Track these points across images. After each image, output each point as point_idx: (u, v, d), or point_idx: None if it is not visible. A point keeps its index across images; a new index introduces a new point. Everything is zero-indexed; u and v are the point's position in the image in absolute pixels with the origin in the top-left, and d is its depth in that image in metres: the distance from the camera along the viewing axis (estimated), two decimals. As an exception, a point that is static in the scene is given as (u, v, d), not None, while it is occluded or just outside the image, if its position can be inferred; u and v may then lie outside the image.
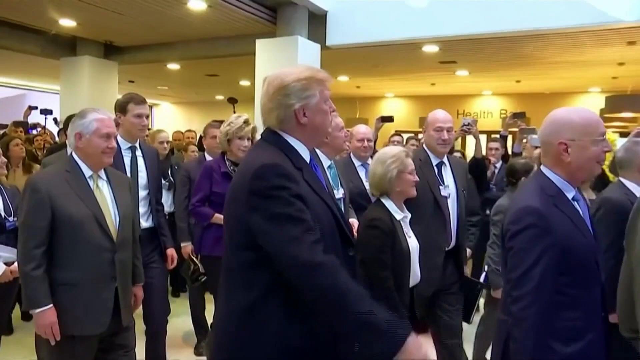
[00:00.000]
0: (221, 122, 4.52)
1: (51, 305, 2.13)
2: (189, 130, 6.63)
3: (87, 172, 2.28)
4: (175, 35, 7.15)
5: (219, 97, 13.13)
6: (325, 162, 2.86)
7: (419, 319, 2.38)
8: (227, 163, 3.28)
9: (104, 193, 2.31)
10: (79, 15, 6.42)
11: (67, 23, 6.69)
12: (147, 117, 3.05)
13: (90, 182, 2.29)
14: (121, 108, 2.98)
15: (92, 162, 2.29)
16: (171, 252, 3.19)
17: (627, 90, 8.06)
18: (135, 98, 3.00)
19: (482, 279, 3.41)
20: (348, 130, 3.33)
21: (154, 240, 3.08)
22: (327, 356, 1.49)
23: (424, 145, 3.08)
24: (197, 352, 3.95)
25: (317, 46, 6.36)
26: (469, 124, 4.23)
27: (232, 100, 10.41)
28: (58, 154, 3.72)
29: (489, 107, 12.24)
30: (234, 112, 10.52)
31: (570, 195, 1.76)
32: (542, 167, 1.81)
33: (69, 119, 3.69)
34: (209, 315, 3.88)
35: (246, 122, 3.24)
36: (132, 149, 3.01)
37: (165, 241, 3.17)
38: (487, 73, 9.19)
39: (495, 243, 3.24)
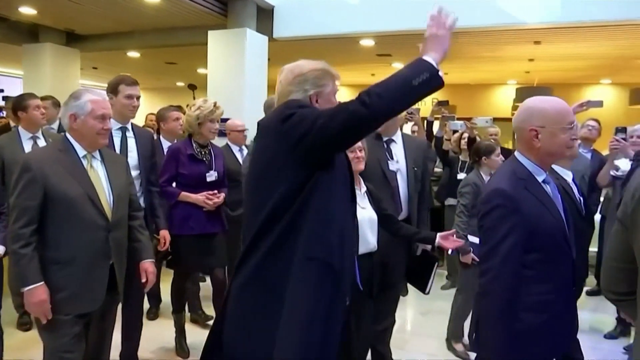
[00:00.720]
0: (178, 106, 4.46)
1: (42, 282, 1.96)
2: (151, 114, 6.52)
3: (81, 152, 2.12)
4: (133, 24, 6.95)
5: (180, 84, 12.86)
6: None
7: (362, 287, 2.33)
8: (194, 145, 3.20)
9: (98, 172, 2.14)
10: (38, 4, 6.14)
11: (27, 11, 6.38)
12: (138, 98, 2.86)
13: (84, 162, 2.12)
14: (112, 89, 2.80)
15: (86, 143, 2.12)
16: (164, 232, 3.04)
17: (534, 83, 8.41)
18: (126, 79, 2.80)
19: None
20: None
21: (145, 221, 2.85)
22: None
23: None
24: (150, 317, 3.94)
25: (265, 38, 6.33)
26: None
27: (192, 87, 10.25)
28: (6, 135, 3.57)
29: (422, 96, 12.45)
30: (194, 98, 10.47)
31: (540, 179, 1.75)
32: (515, 152, 1.81)
33: (17, 99, 3.55)
34: (164, 286, 3.78)
35: (216, 106, 3.18)
36: (123, 130, 2.85)
37: (159, 222, 3.02)
38: (419, 65, 9.34)
39: (463, 212, 3.36)
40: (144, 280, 2.32)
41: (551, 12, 5.28)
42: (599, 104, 4.15)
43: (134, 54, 8.86)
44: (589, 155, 4.21)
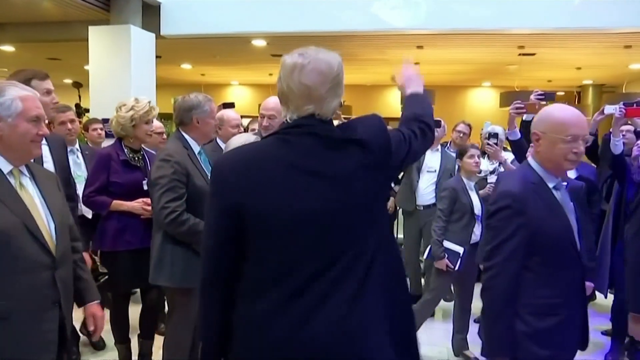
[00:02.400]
0: (66, 106, 3.96)
1: None
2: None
3: (6, 167, 1.58)
4: (4, 16, 6.42)
5: (67, 81, 12.02)
6: (196, 148, 2.62)
7: None
8: (126, 150, 2.88)
9: (30, 193, 1.62)
10: None
11: None
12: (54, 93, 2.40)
13: (12, 181, 1.59)
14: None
15: (15, 155, 1.59)
16: (85, 254, 2.53)
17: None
18: (38, 73, 2.32)
19: (426, 253, 3.50)
20: None
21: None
22: None
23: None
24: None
25: (152, 35, 6.12)
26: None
27: (77, 85, 9.62)
28: None
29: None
30: (79, 97, 9.80)
31: (551, 185, 1.78)
32: (528, 157, 1.87)
33: None
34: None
35: (152, 106, 2.90)
36: None
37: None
38: (315, 67, 9.56)
39: (440, 217, 3.35)
40: (91, 328, 1.87)
41: (429, 19, 5.65)
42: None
43: (7, 48, 8.18)
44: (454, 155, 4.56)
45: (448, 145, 4.75)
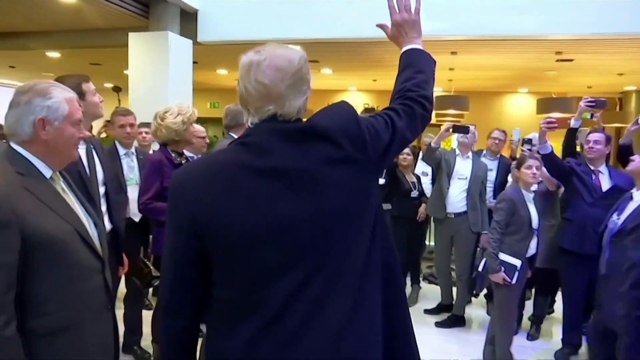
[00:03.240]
0: (128, 110, 3.98)
1: None
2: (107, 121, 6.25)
3: (47, 172, 1.53)
4: (51, 24, 6.70)
5: (108, 85, 12.44)
6: None
7: None
8: (174, 155, 2.93)
9: (71, 197, 1.61)
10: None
11: None
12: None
13: (56, 186, 1.56)
14: (76, 91, 2.36)
15: (57, 159, 1.55)
16: (125, 256, 2.68)
17: (451, 91, 8.86)
18: (83, 77, 2.33)
19: (481, 266, 3.38)
20: None
21: (113, 244, 2.39)
22: None
23: None
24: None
25: (189, 42, 6.29)
26: None
27: (117, 89, 10.00)
28: None
29: (354, 102, 12.73)
30: (119, 100, 10.13)
31: None
32: None
33: None
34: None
35: (191, 108, 3.01)
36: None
37: (122, 244, 2.63)
38: (348, 72, 9.61)
39: (496, 229, 3.22)
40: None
41: (464, 26, 5.61)
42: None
43: (54, 54, 8.54)
44: (495, 163, 4.51)
45: (484, 152, 4.70)
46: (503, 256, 3.19)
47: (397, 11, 1.43)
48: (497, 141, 4.59)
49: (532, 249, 3.31)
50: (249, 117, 1.20)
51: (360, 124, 1.19)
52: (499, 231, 3.21)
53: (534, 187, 3.35)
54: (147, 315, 3.47)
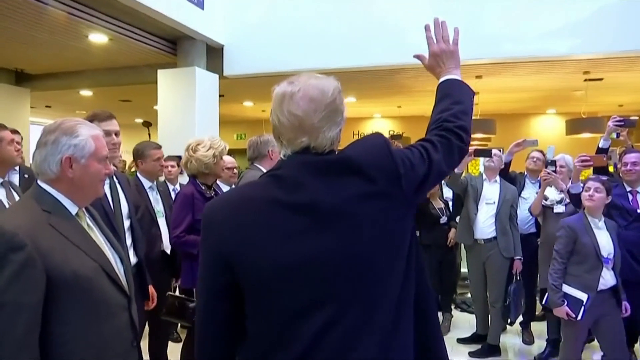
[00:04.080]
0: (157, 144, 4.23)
1: None
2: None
3: (72, 208, 1.52)
4: (83, 64, 7.01)
5: (138, 120, 12.81)
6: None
7: None
8: (203, 188, 2.97)
9: (96, 233, 1.60)
10: (-15, 45, 6.16)
11: (-27, 52, 6.39)
12: (117, 134, 2.37)
13: (82, 223, 1.55)
14: None
15: (82, 196, 1.55)
16: (152, 289, 2.68)
17: (477, 115, 8.79)
18: (99, 114, 2.32)
19: (544, 300, 3.23)
20: None
21: (138, 278, 2.42)
22: None
23: None
24: None
25: (215, 76, 6.47)
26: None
27: (147, 124, 10.25)
28: None
29: (380, 128, 12.80)
30: (149, 135, 10.38)
31: None
32: None
33: None
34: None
35: (222, 142, 3.06)
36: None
37: (147, 278, 2.63)
38: (372, 99, 9.67)
39: (555, 259, 3.06)
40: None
41: (487, 49, 5.61)
42: (534, 143, 4.40)
43: (86, 93, 8.88)
44: (537, 186, 4.43)
45: (525, 174, 4.62)
46: (567, 289, 2.98)
47: (435, 42, 1.43)
48: (534, 159, 4.51)
49: (608, 280, 2.99)
50: (282, 148, 1.17)
51: (394, 157, 1.15)
52: (559, 261, 3.02)
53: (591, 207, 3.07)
54: (173, 348, 3.47)
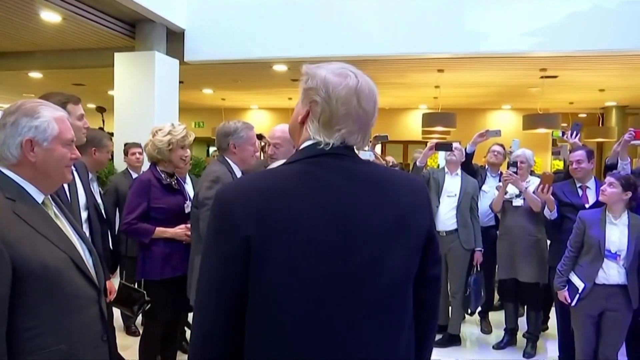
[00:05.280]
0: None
1: None
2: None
3: (38, 196, 1.43)
4: (34, 44, 6.65)
5: (91, 106, 12.34)
6: (238, 172, 2.72)
7: None
8: (163, 175, 2.87)
9: (64, 223, 1.50)
10: None
11: None
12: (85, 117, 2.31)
13: (49, 212, 1.46)
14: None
15: (48, 182, 1.46)
16: (110, 284, 2.59)
17: (439, 108, 8.96)
18: (72, 97, 2.24)
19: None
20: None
21: None
22: None
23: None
24: None
25: (176, 61, 6.27)
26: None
27: (101, 109, 9.88)
28: None
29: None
30: (103, 121, 10.00)
31: None
32: None
33: None
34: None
35: (187, 131, 2.93)
36: None
37: (106, 272, 2.44)
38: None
39: (568, 248, 3.18)
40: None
41: (450, 43, 5.69)
42: (497, 133, 4.50)
43: (36, 75, 8.45)
44: (497, 179, 4.52)
45: (487, 168, 4.70)
46: (572, 276, 3.14)
47: None
48: (495, 153, 4.61)
49: (612, 275, 3.02)
50: (328, 137, 1.12)
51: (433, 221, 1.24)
52: (568, 249, 3.17)
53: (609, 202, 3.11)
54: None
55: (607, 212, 3.09)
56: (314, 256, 1.05)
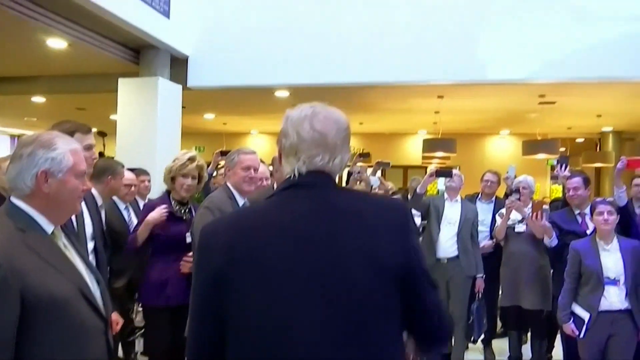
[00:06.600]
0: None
1: None
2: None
3: (48, 227, 1.45)
4: (39, 69, 6.71)
5: (93, 130, 12.41)
6: (240, 199, 2.72)
7: None
8: (173, 203, 2.92)
9: (73, 253, 1.52)
10: None
11: None
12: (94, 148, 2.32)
13: (58, 243, 1.48)
14: None
15: (58, 213, 1.48)
16: (115, 315, 2.46)
17: (439, 134, 9.01)
18: (81, 127, 2.25)
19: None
20: None
21: None
22: None
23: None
24: None
25: (179, 87, 6.32)
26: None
27: (102, 134, 9.92)
28: None
29: (340, 144, 12.87)
30: (104, 145, 10.04)
31: None
32: None
33: None
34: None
35: (191, 159, 2.91)
36: None
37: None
38: (334, 115, 9.72)
39: (565, 279, 3.21)
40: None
41: (450, 71, 5.75)
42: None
43: (39, 99, 8.51)
44: (491, 206, 4.53)
45: (479, 196, 4.71)
46: (575, 307, 3.14)
47: None
48: (489, 183, 4.62)
49: (614, 301, 3.05)
50: (297, 165, 1.19)
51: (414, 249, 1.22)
52: (567, 281, 3.19)
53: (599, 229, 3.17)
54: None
55: (597, 239, 3.11)
56: (279, 280, 1.11)
